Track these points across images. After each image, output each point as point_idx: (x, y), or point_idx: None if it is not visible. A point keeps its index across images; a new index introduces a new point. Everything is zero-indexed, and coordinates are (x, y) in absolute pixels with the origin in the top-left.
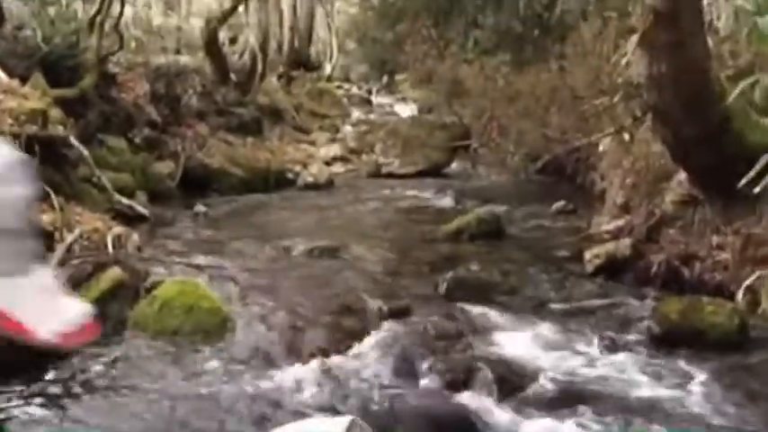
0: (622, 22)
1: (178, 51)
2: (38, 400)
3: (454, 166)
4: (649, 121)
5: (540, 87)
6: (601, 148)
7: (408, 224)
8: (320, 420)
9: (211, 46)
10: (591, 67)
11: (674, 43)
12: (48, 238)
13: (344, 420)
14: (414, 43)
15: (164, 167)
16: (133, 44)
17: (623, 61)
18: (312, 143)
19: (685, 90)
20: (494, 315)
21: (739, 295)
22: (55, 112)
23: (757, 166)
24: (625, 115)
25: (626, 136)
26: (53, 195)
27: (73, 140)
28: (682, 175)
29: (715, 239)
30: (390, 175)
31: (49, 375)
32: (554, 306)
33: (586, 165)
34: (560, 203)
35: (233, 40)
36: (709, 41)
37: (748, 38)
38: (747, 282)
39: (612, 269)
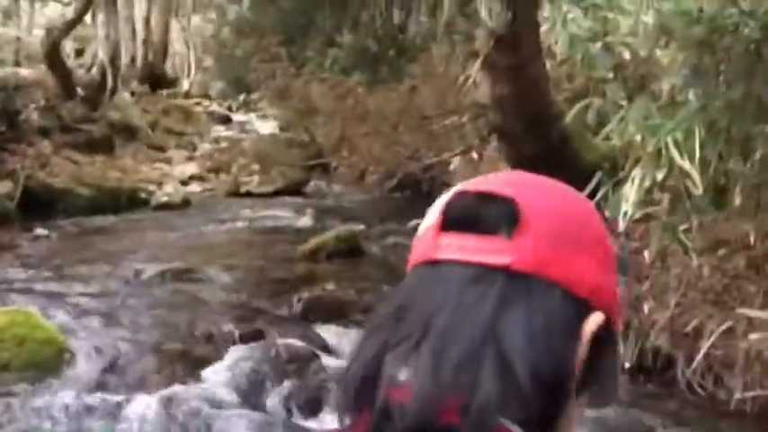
0: (469, 45)
1: (17, 64)
2: None
3: (313, 184)
4: (495, 141)
5: (389, 107)
6: (452, 166)
7: (265, 245)
8: None
9: (54, 58)
10: (439, 88)
11: (515, 66)
12: None
13: None
14: (262, 60)
15: (0, 188)
16: None
17: (470, 82)
18: (168, 161)
19: (526, 111)
20: (349, 333)
21: None
22: None
23: (592, 184)
24: (473, 135)
25: (474, 155)
26: None
27: None
28: None
29: None
30: (249, 194)
31: None
32: None
33: (441, 182)
34: (417, 221)
35: (80, 53)
36: (548, 65)
37: (582, 62)
38: None
39: None
